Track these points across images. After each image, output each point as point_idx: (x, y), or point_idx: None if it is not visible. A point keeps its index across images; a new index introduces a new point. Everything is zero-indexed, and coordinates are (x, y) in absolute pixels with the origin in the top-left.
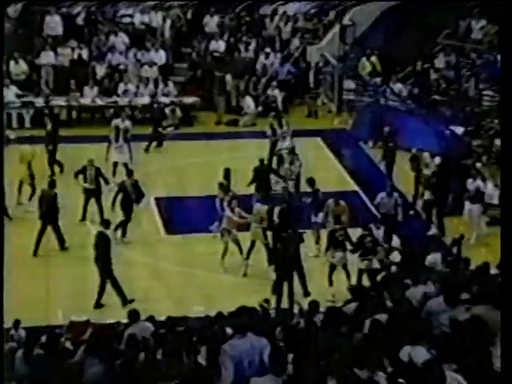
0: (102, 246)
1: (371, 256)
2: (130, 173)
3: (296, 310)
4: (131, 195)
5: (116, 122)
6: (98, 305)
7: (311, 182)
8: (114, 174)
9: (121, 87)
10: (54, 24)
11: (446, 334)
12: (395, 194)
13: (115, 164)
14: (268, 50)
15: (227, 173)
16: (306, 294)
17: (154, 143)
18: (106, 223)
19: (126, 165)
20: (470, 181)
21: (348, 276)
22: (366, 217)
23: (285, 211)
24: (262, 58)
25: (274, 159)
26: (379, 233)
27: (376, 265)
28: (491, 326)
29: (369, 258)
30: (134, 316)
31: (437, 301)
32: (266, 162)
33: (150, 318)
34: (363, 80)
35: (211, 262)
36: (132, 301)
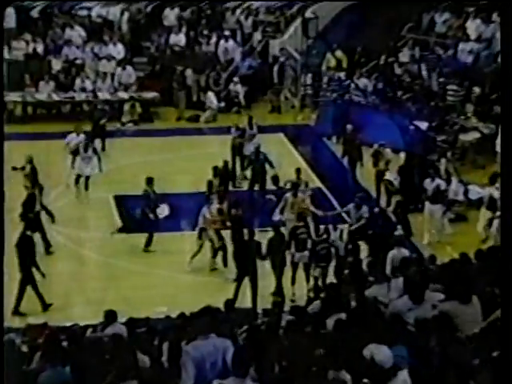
0: (26, 249)
1: (325, 264)
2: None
3: (259, 309)
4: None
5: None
6: (17, 311)
7: (275, 180)
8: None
9: (78, 82)
10: (7, 17)
11: (412, 332)
12: (364, 208)
13: (78, 177)
14: (229, 43)
15: (215, 170)
16: (254, 295)
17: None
18: (30, 224)
19: (88, 178)
20: (427, 181)
21: (307, 278)
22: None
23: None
24: (222, 51)
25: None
26: (336, 235)
27: (330, 274)
28: (458, 322)
29: (322, 266)
30: (111, 317)
31: (402, 300)
32: (230, 163)
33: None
34: (327, 75)
35: (176, 261)
36: (50, 305)
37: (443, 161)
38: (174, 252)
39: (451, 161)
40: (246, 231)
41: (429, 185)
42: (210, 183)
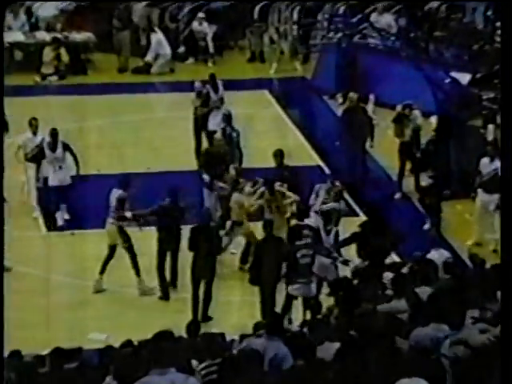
0: None
1: (305, 280)
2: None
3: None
4: None
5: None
6: None
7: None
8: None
9: None
10: None
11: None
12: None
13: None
14: None
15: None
16: (205, 318)
17: None
18: None
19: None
20: (485, 161)
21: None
22: None
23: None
24: None
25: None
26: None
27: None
28: None
29: (302, 282)
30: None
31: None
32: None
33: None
34: (329, 8)
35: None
36: None
37: (491, 128)
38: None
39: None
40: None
41: (487, 166)
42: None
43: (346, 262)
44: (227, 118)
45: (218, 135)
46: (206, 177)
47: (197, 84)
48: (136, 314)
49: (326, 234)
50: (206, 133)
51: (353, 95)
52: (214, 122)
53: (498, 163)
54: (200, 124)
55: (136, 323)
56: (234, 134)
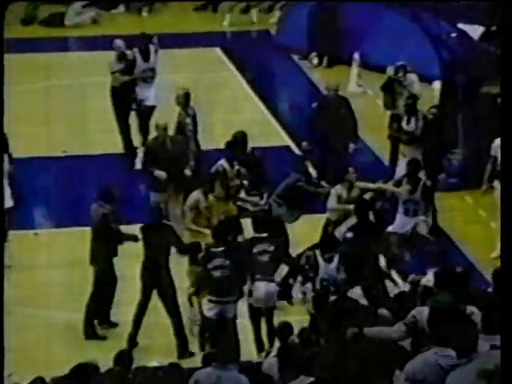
0: None
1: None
2: None
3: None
4: None
5: None
6: None
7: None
8: None
9: None
10: None
11: None
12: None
13: None
14: None
15: None
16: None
17: None
18: None
19: None
20: (498, 142)
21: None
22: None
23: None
24: None
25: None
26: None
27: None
28: None
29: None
30: None
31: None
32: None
33: None
34: None
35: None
36: None
37: None
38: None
39: None
40: None
41: (498, 148)
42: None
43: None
44: (184, 99)
45: (162, 123)
46: (161, 173)
47: (118, 42)
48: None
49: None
50: (136, 111)
51: (330, 85)
52: (140, 99)
53: None
54: (123, 97)
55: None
56: (190, 127)
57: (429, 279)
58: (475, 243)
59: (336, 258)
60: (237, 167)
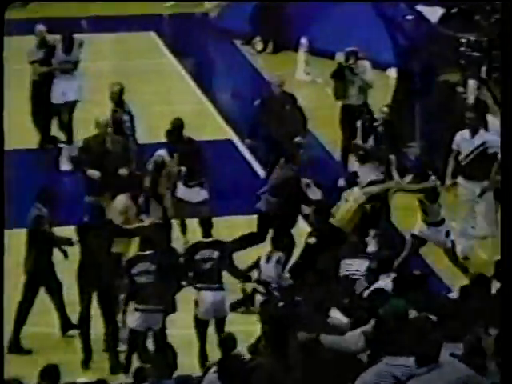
0: None
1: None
2: None
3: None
4: None
5: None
6: None
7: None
8: None
9: None
10: None
11: None
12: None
13: None
14: None
15: None
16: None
17: None
18: None
19: None
20: (464, 134)
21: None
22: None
23: None
24: None
25: None
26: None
27: None
28: None
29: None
30: None
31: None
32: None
33: None
34: None
35: None
36: None
37: (472, 85)
38: None
39: (489, 82)
40: None
41: (466, 142)
42: None
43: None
44: (119, 95)
45: (103, 120)
46: (95, 173)
47: (40, 27)
48: None
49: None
50: (55, 106)
51: (275, 80)
52: (59, 92)
53: (485, 136)
54: (41, 89)
55: None
56: (128, 124)
57: (386, 283)
58: (434, 246)
59: (274, 258)
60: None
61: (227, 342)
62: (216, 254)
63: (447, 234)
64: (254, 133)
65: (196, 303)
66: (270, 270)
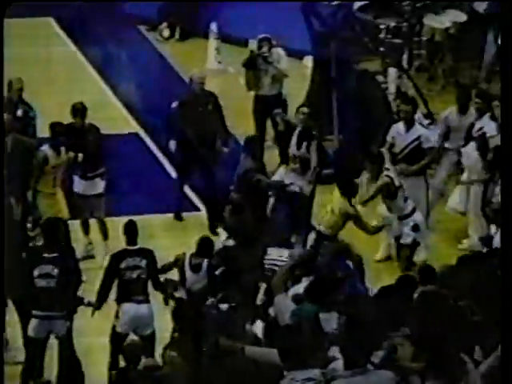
0: None
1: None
2: None
3: None
4: None
5: None
6: None
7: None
8: None
9: None
10: None
11: None
12: None
13: None
14: None
15: None
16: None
17: None
18: None
19: None
20: (398, 128)
21: None
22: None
23: None
24: None
25: None
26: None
27: None
28: None
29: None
30: None
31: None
32: None
33: None
34: None
35: None
36: None
37: (392, 73)
38: None
39: (410, 72)
40: None
41: (400, 135)
42: None
43: None
44: (20, 93)
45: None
46: None
47: None
48: None
49: None
50: None
51: (196, 77)
52: None
53: (420, 131)
54: None
55: None
56: (31, 114)
57: (302, 287)
58: (354, 245)
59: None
60: (70, 152)
61: (131, 351)
62: (144, 262)
63: (415, 227)
64: (172, 135)
65: (116, 314)
66: (190, 274)
